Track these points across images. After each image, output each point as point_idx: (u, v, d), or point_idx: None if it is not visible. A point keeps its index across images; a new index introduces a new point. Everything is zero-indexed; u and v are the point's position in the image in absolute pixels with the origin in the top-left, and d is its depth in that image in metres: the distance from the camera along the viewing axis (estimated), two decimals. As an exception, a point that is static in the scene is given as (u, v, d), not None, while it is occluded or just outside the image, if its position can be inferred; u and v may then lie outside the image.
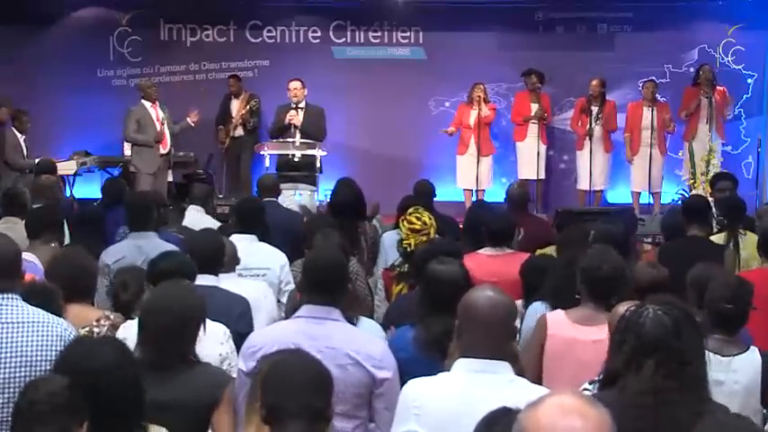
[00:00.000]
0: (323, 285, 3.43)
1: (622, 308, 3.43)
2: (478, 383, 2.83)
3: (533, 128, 11.25)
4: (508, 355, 2.93)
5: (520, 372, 2.99)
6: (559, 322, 3.94)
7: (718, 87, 11.07)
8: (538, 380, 3.74)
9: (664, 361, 2.66)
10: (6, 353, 3.25)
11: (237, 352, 3.82)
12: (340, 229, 5.43)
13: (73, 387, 2.56)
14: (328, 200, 6.23)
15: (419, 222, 5.30)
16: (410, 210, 5.50)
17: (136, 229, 5.70)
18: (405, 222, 5.37)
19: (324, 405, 2.55)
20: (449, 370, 2.98)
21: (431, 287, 3.86)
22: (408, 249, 5.22)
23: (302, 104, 10.25)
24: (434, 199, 7.25)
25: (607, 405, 1.84)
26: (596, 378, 3.26)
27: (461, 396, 2.83)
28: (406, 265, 5.11)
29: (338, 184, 6.37)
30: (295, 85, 10.26)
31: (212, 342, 3.87)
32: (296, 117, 10.00)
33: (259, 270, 5.40)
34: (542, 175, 11.37)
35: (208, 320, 3.86)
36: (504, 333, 2.94)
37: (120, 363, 2.72)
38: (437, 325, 3.64)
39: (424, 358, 3.54)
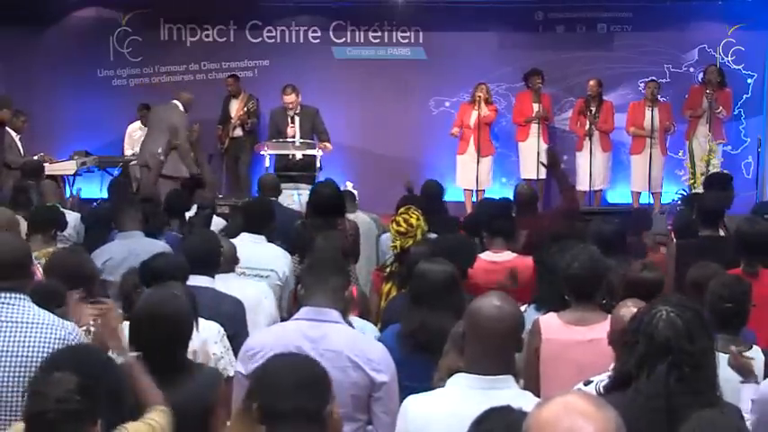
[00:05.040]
0: (323, 287, 3.39)
1: (624, 308, 3.42)
2: (482, 401, 2.66)
3: (535, 128, 11.23)
4: (510, 366, 2.87)
5: (518, 378, 2.94)
6: (552, 326, 3.93)
7: (725, 89, 11.06)
8: (535, 384, 3.73)
9: (676, 364, 2.64)
10: (4, 352, 3.22)
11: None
12: (321, 228, 5.45)
13: (83, 388, 2.48)
14: (308, 200, 6.26)
15: (405, 225, 5.32)
16: (401, 210, 5.52)
17: (122, 228, 5.74)
18: (393, 224, 5.40)
19: (318, 406, 2.43)
20: (443, 377, 2.92)
21: (414, 283, 3.97)
22: (395, 252, 5.26)
23: (297, 110, 10.36)
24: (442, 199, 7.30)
25: (618, 406, 1.81)
26: (590, 379, 3.26)
27: (464, 416, 2.64)
28: (395, 265, 5.14)
29: (316, 185, 6.39)
30: (290, 98, 10.36)
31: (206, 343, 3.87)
32: (294, 129, 10.26)
33: (263, 271, 5.38)
34: (544, 176, 11.34)
35: (201, 319, 3.87)
36: (510, 346, 2.87)
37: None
38: (414, 319, 3.76)
39: (407, 359, 3.56)
